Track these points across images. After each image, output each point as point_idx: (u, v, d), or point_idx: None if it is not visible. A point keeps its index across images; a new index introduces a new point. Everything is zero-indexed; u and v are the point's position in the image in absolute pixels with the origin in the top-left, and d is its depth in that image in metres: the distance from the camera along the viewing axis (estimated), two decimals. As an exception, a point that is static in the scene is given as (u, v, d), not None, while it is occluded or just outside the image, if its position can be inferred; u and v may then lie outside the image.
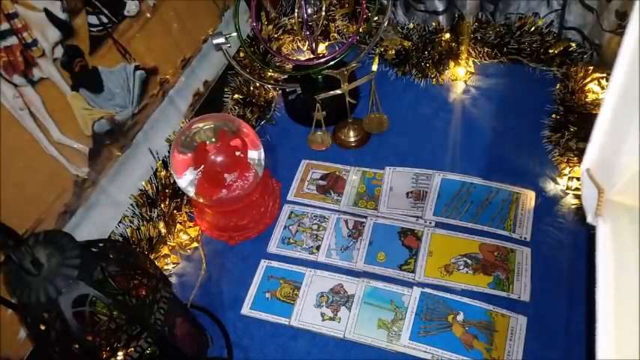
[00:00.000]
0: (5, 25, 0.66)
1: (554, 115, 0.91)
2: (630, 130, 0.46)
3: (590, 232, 0.80)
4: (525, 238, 0.82)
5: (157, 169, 0.92)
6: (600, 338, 0.41)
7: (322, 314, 0.80)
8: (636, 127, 0.45)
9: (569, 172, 0.86)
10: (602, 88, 0.89)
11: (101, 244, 0.59)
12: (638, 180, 0.46)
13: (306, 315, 0.80)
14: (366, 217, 0.89)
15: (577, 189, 0.84)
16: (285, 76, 1.07)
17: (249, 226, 0.90)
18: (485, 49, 1.02)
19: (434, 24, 1.06)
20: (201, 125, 0.83)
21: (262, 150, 0.86)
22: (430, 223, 0.86)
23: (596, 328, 0.42)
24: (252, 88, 1.04)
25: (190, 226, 0.92)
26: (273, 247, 0.88)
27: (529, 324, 0.74)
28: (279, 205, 0.93)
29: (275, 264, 0.86)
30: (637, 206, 0.47)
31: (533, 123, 0.93)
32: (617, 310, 0.42)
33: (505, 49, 1.00)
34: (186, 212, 0.92)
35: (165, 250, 0.88)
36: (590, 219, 0.48)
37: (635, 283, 0.43)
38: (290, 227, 0.90)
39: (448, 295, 0.78)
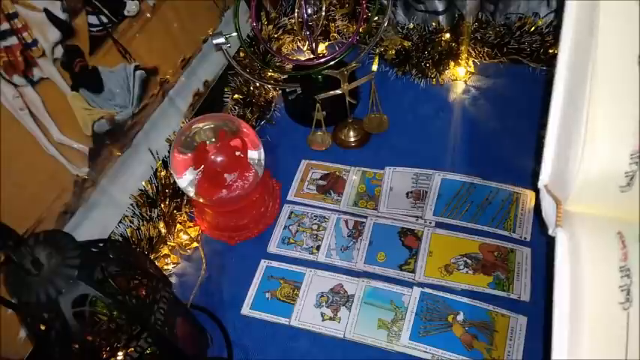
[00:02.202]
0: (5, 25, 0.66)
1: (554, 115, 0.91)
2: (573, 135, 0.46)
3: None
4: (525, 238, 0.82)
5: (157, 169, 0.92)
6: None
7: (322, 314, 0.80)
8: (578, 132, 0.46)
9: (569, 172, 0.86)
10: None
11: (101, 244, 0.59)
12: (587, 187, 0.47)
13: (306, 315, 0.80)
14: (366, 217, 0.89)
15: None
16: (285, 76, 1.07)
17: (249, 226, 0.90)
18: (485, 49, 1.01)
19: (434, 24, 1.06)
20: (201, 125, 0.83)
21: (262, 150, 0.86)
22: (430, 223, 0.86)
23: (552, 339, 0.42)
24: (252, 88, 1.04)
25: (190, 226, 0.92)
26: (273, 247, 0.88)
27: (529, 324, 0.74)
28: (279, 205, 0.93)
29: (275, 264, 0.86)
30: (590, 213, 0.47)
31: (532, 123, 0.93)
32: (571, 320, 0.43)
33: (505, 49, 1.00)
34: (186, 212, 0.92)
35: (165, 250, 0.88)
36: (551, 231, 0.48)
37: (589, 293, 0.43)
38: (290, 227, 0.91)
39: (448, 295, 0.78)
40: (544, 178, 0.51)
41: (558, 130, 0.49)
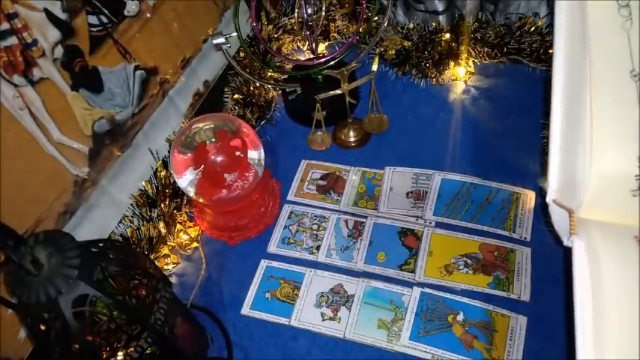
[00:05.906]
0: (5, 25, 0.66)
1: (554, 115, 0.91)
2: (578, 144, 0.47)
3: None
4: (525, 238, 0.82)
5: (157, 169, 0.92)
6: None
7: (322, 314, 0.80)
8: (583, 140, 0.46)
9: (569, 172, 0.86)
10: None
11: (101, 244, 0.59)
12: (599, 191, 0.47)
13: (306, 315, 0.80)
14: (366, 217, 0.89)
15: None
16: (285, 76, 1.07)
17: (249, 226, 0.90)
18: (485, 49, 1.01)
19: (434, 24, 1.06)
20: (201, 125, 0.83)
21: (262, 150, 0.86)
22: (430, 223, 0.86)
23: (576, 346, 0.42)
24: (252, 88, 1.04)
25: (190, 226, 0.92)
26: (273, 247, 0.88)
27: (529, 324, 0.74)
28: (279, 205, 0.93)
29: (275, 264, 0.86)
30: (604, 220, 0.48)
31: (533, 123, 0.93)
32: (595, 324, 0.43)
33: (505, 49, 1.00)
34: (186, 212, 0.92)
35: (165, 250, 0.88)
36: (565, 241, 0.48)
37: (611, 297, 0.43)
38: (290, 227, 0.90)
39: (448, 295, 0.78)
40: (551, 192, 0.51)
41: (561, 143, 0.49)
